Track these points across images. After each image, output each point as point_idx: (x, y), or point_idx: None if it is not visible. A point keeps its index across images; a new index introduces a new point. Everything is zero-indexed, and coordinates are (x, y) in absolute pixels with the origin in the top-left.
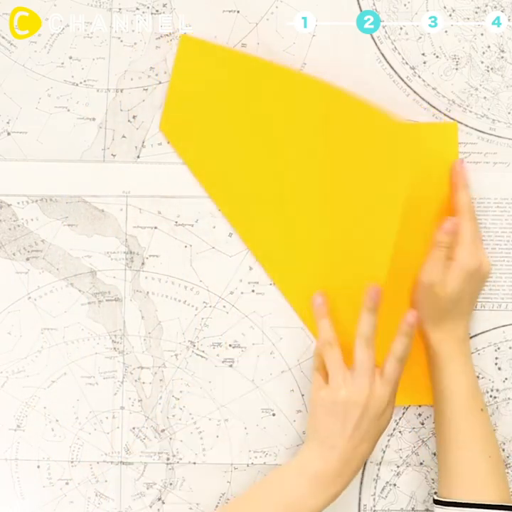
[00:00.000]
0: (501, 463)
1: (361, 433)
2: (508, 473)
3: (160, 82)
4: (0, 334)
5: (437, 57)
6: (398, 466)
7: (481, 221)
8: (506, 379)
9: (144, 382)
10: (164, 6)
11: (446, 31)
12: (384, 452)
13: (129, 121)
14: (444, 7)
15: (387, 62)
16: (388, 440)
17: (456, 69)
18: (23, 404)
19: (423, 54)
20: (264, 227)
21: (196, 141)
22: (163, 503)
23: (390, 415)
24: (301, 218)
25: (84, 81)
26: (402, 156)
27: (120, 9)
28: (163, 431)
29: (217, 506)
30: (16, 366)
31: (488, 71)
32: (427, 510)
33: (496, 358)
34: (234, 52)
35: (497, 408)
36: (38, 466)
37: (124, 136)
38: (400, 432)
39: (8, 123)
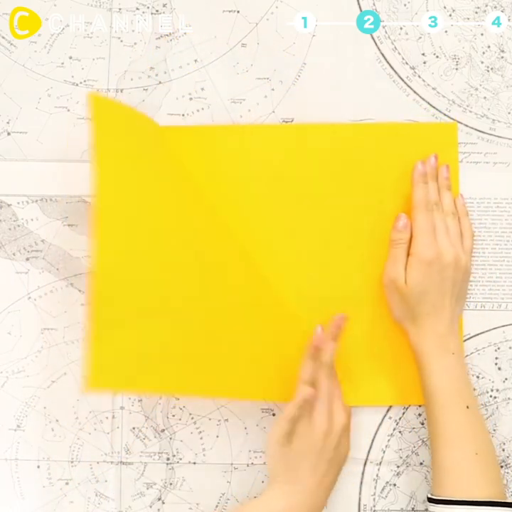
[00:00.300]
0: (491, 459)
1: (322, 468)
2: (508, 473)
3: (160, 82)
4: (0, 334)
5: (437, 57)
6: (398, 466)
7: (481, 221)
8: (506, 379)
9: None
10: (164, 6)
11: (446, 31)
12: (384, 452)
13: None
14: (444, 7)
15: (387, 62)
16: (388, 440)
17: (456, 69)
18: (23, 404)
19: (423, 54)
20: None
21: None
22: (163, 503)
23: (347, 442)
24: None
25: (84, 81)
26: (402, 156)
27: (120, 9)
28: (163, 431)
29: (217, 506)
30: (15, 366)
31: (488, 71)
32: (427, 510)
33: (496, 358)
34: (143, 116)
35: (497, 408)
36: (38, 466)
37: None
38: (400, 432)
39: (8, 123)
